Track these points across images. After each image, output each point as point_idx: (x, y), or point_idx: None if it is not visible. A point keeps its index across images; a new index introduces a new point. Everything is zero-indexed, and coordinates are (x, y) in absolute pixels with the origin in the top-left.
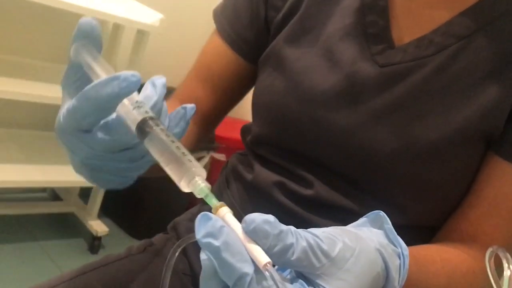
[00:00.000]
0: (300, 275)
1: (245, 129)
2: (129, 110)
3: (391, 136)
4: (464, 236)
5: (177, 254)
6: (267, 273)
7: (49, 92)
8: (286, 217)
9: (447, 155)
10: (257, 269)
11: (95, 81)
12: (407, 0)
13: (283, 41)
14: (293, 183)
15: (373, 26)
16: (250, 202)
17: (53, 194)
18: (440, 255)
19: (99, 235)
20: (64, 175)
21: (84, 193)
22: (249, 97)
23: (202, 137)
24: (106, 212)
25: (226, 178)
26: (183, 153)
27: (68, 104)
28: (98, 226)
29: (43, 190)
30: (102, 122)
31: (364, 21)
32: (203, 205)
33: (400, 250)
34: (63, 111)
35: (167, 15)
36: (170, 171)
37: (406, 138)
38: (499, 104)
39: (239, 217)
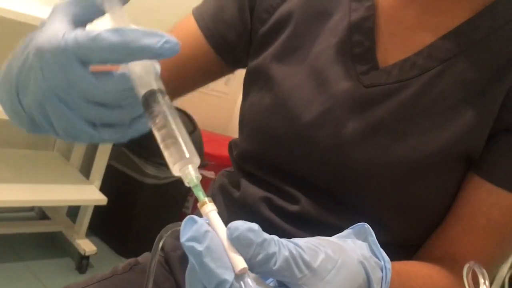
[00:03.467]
0: (282, 285)
1: (233, 144)
2: (145, 75)
3: (374, 156)
4: (444, 253)
5: (161, 242)
6: (241, 283)
7: None
8: (272, 233)
9: (428, 175)
10: (237, 277)
11: (135, 27)
12: (392, 23)
13: (271, 58)
14: (279, 199)
15: (359, 46)
16: (238, 219)
17: (41, 213)
18: (421, 271)
19: (87, 254)
20: (52, 194)
21: (72, 212)
22: (237, 114)
23: None
24: (94, 230)
25: (213, 195)
26: (183, 136)
27: (94, 33)
28: (86, 245)
29: (31, 209)
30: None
31: (351, 41)
32: None
33: (383, 263)
34: (74, 34)
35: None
36: (166, 151)
37: (388, 158)
38: (479, 125)
39: None
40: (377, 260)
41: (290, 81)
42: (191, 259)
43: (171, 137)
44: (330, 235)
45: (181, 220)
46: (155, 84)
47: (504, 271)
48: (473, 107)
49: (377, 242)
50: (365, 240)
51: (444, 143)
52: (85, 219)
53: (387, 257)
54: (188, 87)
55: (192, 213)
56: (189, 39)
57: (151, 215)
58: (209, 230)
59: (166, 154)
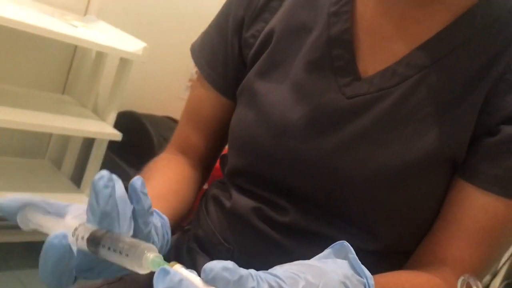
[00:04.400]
0: None
1: (223, 159)
2: (76, 245)
3: (359, 164)
4: (434, 259)
5: None
6: None
7: (31, 119)
8: (264, 244)
9: (414, 181)
10: None
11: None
12: (370, 35)
13: (254, 75)
14: (270, 210)
15: (339, 59)
16: (229, 229)
17: None
18: (409, 281)
19: None
20: None
21: None
22: None
23: (205, 179)
24: None
25: (206, 205)
26: (127, 242)
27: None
28: None
29: None
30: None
31: (331, 55)
32: (183, 234)
33: (365, 280)
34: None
35: (150, 44)
36: (124, 262)
37: (373, 166)
38: (461, 129)
39: (219, 243)
40: (359, 277)
41: (273, 96)
42: None
43: (120, 251)
44: (321, 244)
45: (173, 230)
46: (84, 245)
47: (496, 283)
48: (454, 112)
49: (358, 259)
50: (345, 258)
51: (427, 149)
52: None
53: (369, 273)
54: (225, 139)
55: (184, 223)
56: (205, 102)
57: None
58: (183, 279)
59: (125, 263)
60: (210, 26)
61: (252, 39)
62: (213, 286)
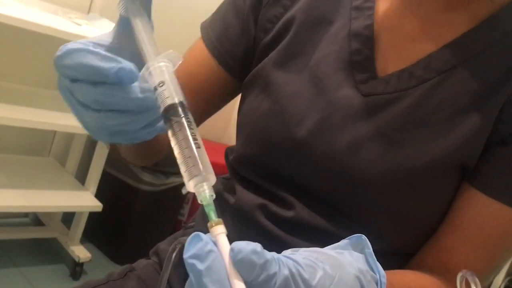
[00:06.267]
0: None
1: (229, 151)
2: (170, 86)
3: (370, 164)
4: (437, 263)
5: (174, 254)
6: None
7: (34, 117)
8: (267, 241)
9: (424, 184)
10: None
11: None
12: (391, 33)
13: (271, 64)
14: (274, 205)
15: (358, 54)
16: (233, 226)
17: (35, 219)
18: (415, 281)
19: (81, 261)
20: (47, 200)
21: (67, 218)
22: (234, 122)
23: None
24: (89, 237)
25: None
26: (201, 153)
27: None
28: (81, 252)
29: (25, 215)
30: None
31: (350, 49)
32: (187, 229)
33: (378, 276)
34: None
35: (157, 40)
36: (182, 166)
37: (383, 167)
38: (475, 136)
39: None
40: (373, 274)
41: (290, 87)
42: (191, 276)
43: (188, 153)
44: (324, 241)
45: (176, 227)
46: (177, 97)
47: (499, 280)
48: (469, 119)
49: (373, 255)
50: (361, 251)
51: (440, 153)
52: (79, 226)
53: (383, 271)
54: (208, 112)
55: (187, 221)
56: (202, 65)
57: (146, 222)
58: (213, 250)
59: (182, 169)
60: (222, 5)
61: (269, 24)
62: (239, 266)
